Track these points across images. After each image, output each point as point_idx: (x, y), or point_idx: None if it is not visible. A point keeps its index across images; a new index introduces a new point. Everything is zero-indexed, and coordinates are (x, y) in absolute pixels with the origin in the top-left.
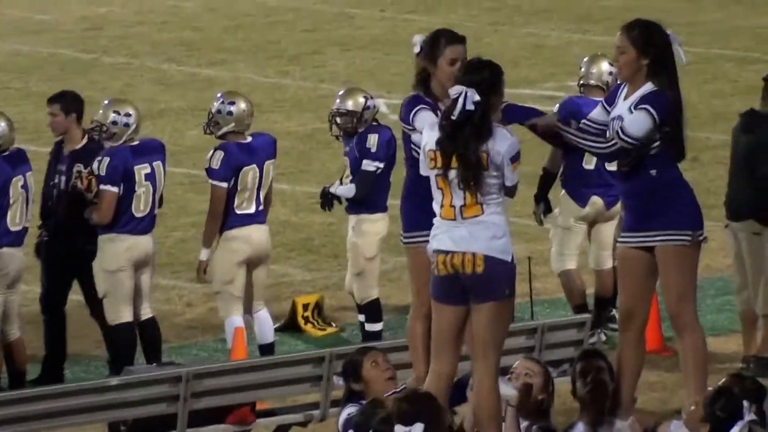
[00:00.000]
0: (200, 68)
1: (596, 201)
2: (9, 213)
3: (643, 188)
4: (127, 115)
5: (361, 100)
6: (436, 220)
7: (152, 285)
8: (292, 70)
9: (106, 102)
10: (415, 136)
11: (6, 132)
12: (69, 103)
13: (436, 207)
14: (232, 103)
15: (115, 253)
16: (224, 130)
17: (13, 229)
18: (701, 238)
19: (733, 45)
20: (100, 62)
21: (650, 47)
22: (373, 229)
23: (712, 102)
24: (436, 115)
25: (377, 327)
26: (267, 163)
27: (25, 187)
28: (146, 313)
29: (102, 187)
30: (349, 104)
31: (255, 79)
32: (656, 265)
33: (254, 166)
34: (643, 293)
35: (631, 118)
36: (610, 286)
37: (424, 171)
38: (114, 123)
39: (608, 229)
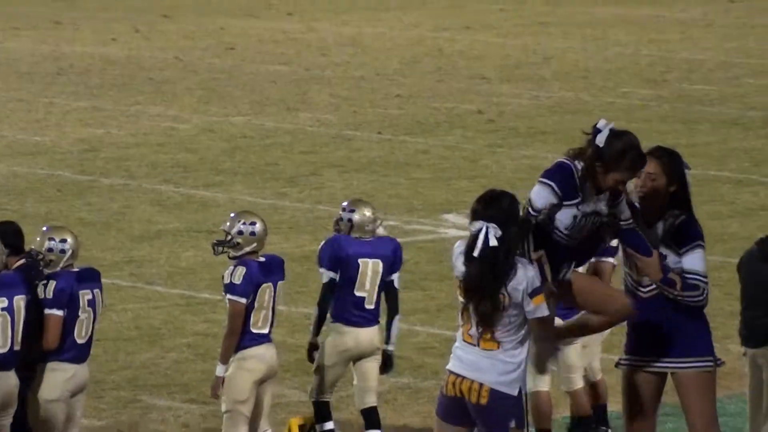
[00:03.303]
0: (197, 190)
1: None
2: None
3: (668, 308)
4: (63, 241)
5: (340, 211)
6: (458, 340)
7: (149, 405)
8: (290, 191)
9: (44, 229)
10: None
11: None
12: None
13: (459, 327)
14: (254, 224)
15: (56, 382)
16: (246, 250)
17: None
18: (720, 362)
19: (729, 167)
20: (98, 183)
21: (678, 174)
22: (336, 341)
23: (708, 224)
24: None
25: None
26: (279, 283)
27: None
28: None
29: (48, 311)
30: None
31: (252, 201)
32: (661, 387)
33: (270, 284)
34: (651, 414)
35: (694, 257)
36: (587, 404)
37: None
38: (50, 250)
39: (572, 352)
